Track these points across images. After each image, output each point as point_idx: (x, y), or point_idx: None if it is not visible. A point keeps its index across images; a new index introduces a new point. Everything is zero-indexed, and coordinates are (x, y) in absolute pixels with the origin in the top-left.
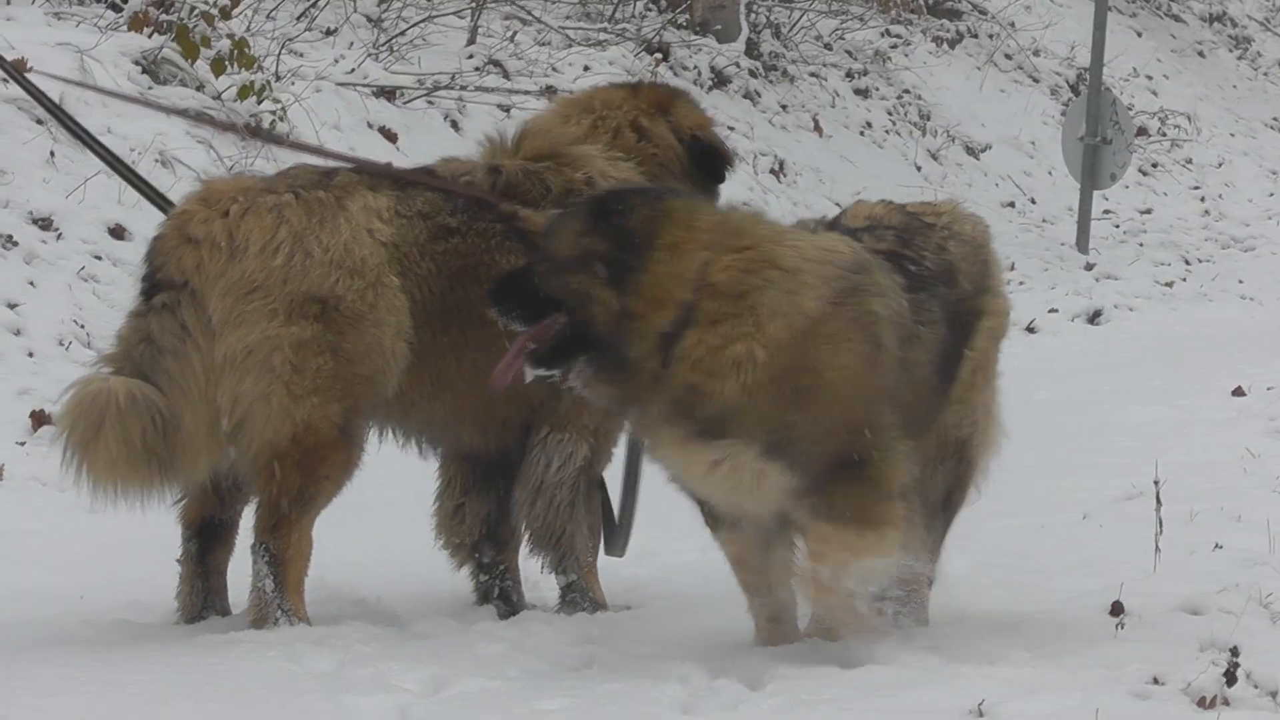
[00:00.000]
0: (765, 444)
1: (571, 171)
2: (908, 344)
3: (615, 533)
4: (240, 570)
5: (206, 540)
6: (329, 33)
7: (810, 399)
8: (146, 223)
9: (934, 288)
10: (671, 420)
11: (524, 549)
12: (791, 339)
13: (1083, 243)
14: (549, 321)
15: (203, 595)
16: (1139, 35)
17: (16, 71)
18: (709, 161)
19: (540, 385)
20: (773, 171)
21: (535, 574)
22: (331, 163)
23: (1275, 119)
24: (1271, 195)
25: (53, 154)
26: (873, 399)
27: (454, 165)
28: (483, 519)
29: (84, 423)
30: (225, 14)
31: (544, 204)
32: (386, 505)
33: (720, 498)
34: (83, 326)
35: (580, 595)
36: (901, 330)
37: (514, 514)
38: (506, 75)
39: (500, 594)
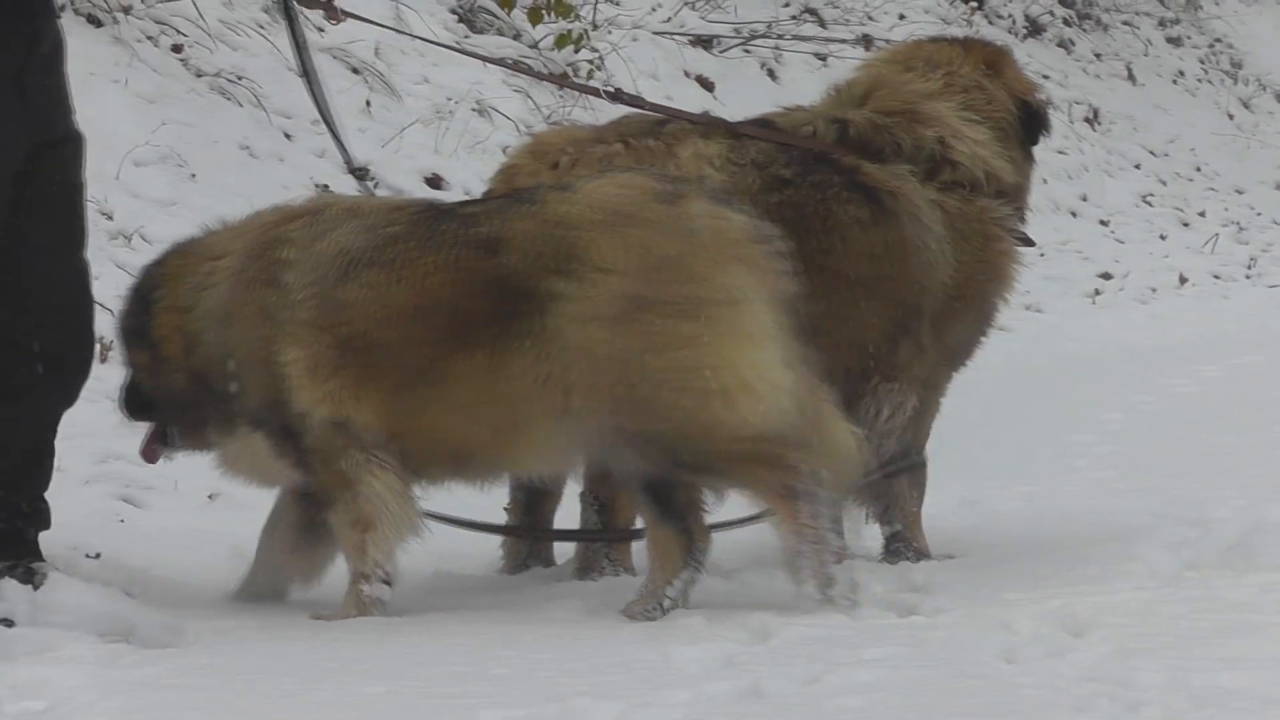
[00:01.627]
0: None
1: (923, 129)
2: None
3: None
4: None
5: (534, 491)
6: None
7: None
8: (464, 172)
9: (460, 252)
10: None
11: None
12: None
13: None
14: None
15: (528, 545)
16: None
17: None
18: (1032, 129)
19: (879, 332)
20: (1087, 120)
21: (859, 523)
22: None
23: None
24: None
25: (368, 103)
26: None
27: (795, 115)
28: None
29: None
30: None
31: (893, 160)
32: None
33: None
34: None
35: (904, 545)
36: (324, 286)
37: None
38: (822, 24)
39: None
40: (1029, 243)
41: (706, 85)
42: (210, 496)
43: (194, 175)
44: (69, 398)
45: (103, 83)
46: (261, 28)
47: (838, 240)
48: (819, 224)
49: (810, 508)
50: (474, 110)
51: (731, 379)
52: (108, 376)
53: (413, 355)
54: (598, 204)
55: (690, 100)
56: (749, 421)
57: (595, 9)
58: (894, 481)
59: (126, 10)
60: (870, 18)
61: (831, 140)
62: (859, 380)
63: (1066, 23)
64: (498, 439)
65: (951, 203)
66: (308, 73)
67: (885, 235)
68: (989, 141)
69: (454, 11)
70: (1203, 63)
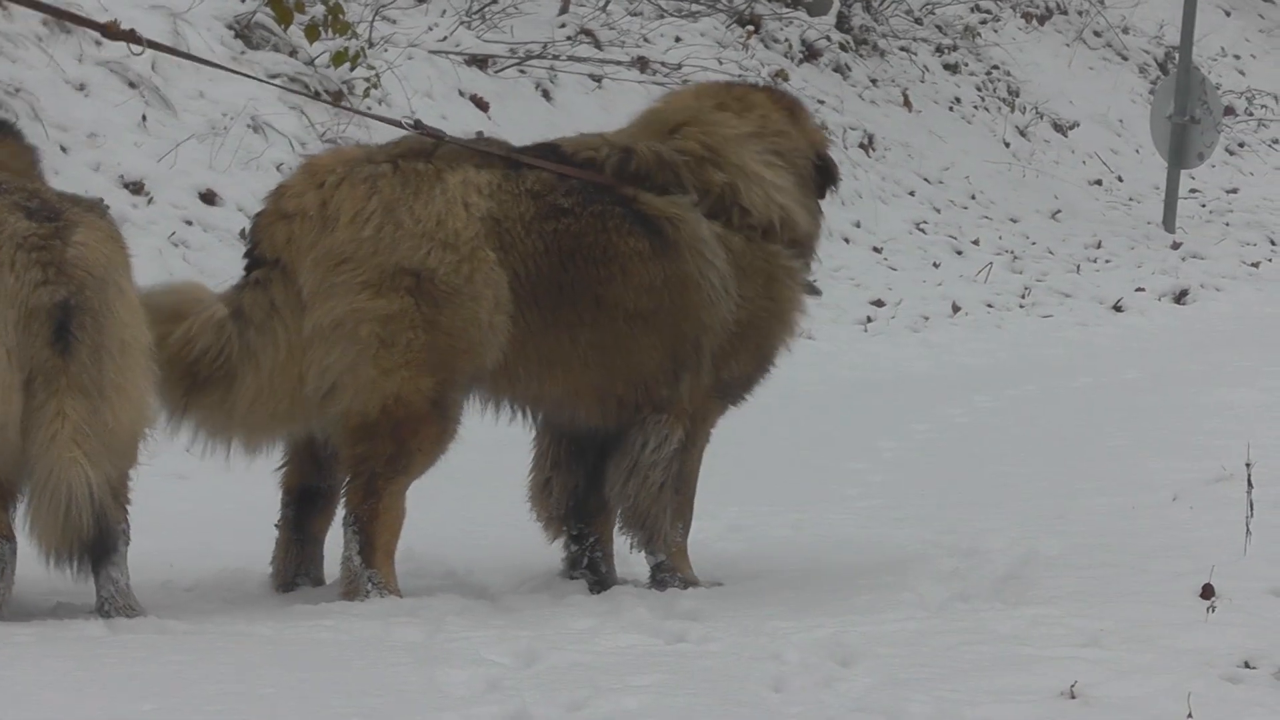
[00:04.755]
0: None
1: (714, 172)
2: None
3: None
4: (337, 542)
5: (305, 507)
6: (421, 0)
7: None
8: (238, 189)
9: None
10: None
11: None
12: None
13: (1169, 222)
14: None
15: (297, 562)
16: (1227, 15)
17: None
18: (825, 180)
19: (656, 365)
20: (862, 146)
21: (628, 549)
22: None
23: None
24: None
25: (144, 118)
26: None
27: (582, 141)
28: (570, 492)
29: None
30: None
31: (674, 193)
32: (477, 477)
33: None
34: None
35: (669, 574)
36: None
37: (606, 490)
38: (598, 45)
39: (589, 564)
40: (816, 292)
41: (481, 105)
42: None
43: None
44: None
45: None
46: (40, 40)
47: (618, 271)
48: (600, 254)
49: None
50: (249, 126)
51: None
52: None
53: None
54: None
55: (465, 120)
56: None
57: (372, 27)
58: (657, 512)
59: None
60: (646, 39)
61: (613, 169)
62: (630, 410)
63: (843, 48)
64: None
65: (737, 241)
66: None
67: (665, 268)
68: (791, 189)
69: (231, 27)
70: (979, 90)
